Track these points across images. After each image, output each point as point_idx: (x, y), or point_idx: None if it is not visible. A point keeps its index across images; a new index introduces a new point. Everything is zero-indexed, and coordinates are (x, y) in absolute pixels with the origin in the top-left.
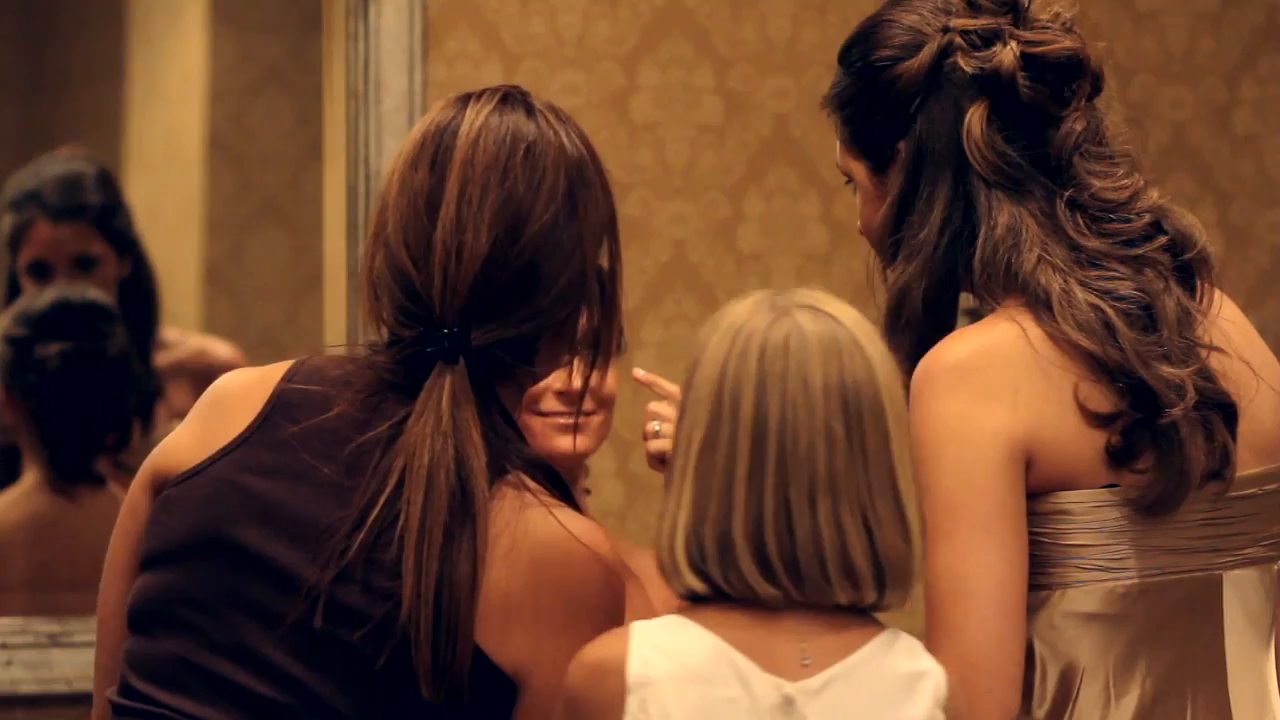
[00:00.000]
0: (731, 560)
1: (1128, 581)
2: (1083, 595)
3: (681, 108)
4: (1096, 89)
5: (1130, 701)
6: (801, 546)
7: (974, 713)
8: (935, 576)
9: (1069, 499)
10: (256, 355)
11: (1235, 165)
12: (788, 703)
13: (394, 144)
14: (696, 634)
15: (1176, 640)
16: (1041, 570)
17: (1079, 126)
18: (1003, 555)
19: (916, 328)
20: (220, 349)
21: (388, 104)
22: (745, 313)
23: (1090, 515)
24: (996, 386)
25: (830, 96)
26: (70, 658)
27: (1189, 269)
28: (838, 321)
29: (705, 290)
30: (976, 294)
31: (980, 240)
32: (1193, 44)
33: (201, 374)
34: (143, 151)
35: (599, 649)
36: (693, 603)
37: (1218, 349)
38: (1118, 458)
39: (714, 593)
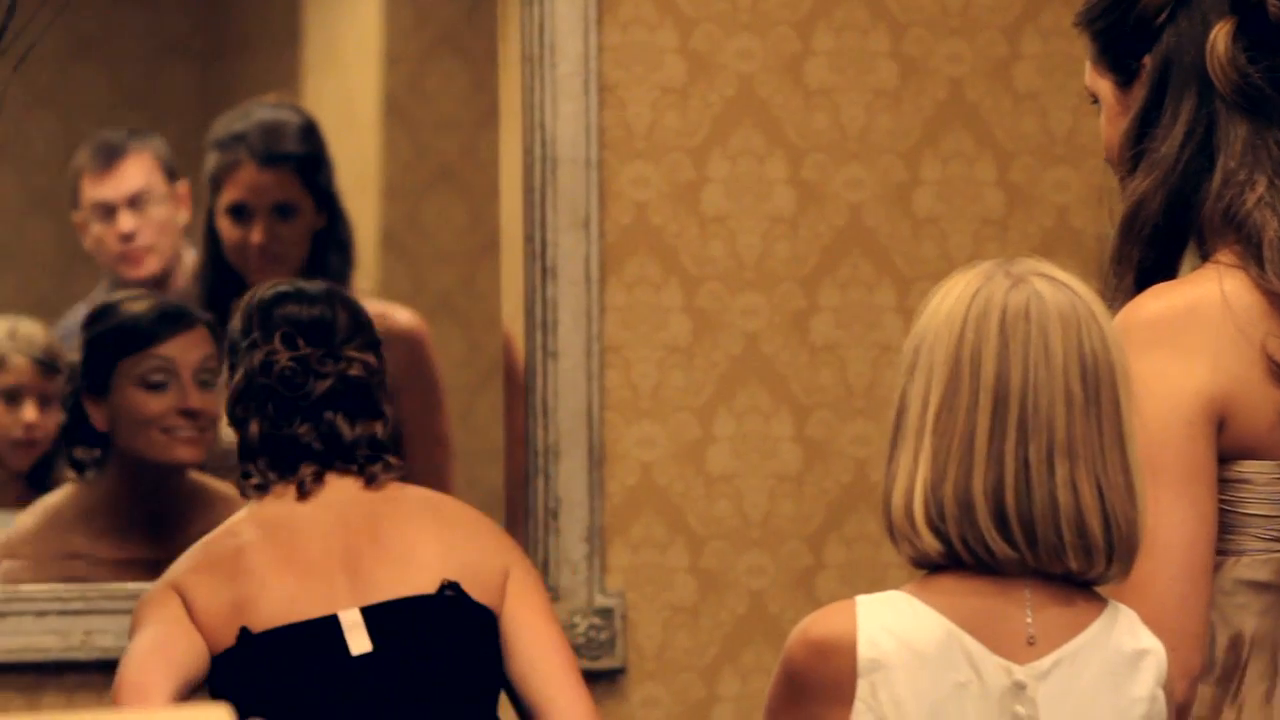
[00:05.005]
0: (971, 520)
1: None
2: (1256, 564)
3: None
4: None
5: None
6: (1039, 507)
7: None
8: None
9: (1252, 468)
10: (434, 319)
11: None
12: (1018, 687)
13: (569, 108)
14: (928, 615)
15: None
16: (1219, 536)
17: None
18: (1195, 515)
19: (1149, 240)
20: (400, 314)
21: (563, 68)
22: (980, 278)
23: (1271, 486)
24: (1197, 346)
25: (1081, 13)
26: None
27: None
28: (1074, 292)
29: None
30: (1198, 229)
31: (1219, 167)
32: None
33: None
34: (319, 116)
35: (823, 625)
36: (923, 571)
37: None
38: None
39: (948, 556)
